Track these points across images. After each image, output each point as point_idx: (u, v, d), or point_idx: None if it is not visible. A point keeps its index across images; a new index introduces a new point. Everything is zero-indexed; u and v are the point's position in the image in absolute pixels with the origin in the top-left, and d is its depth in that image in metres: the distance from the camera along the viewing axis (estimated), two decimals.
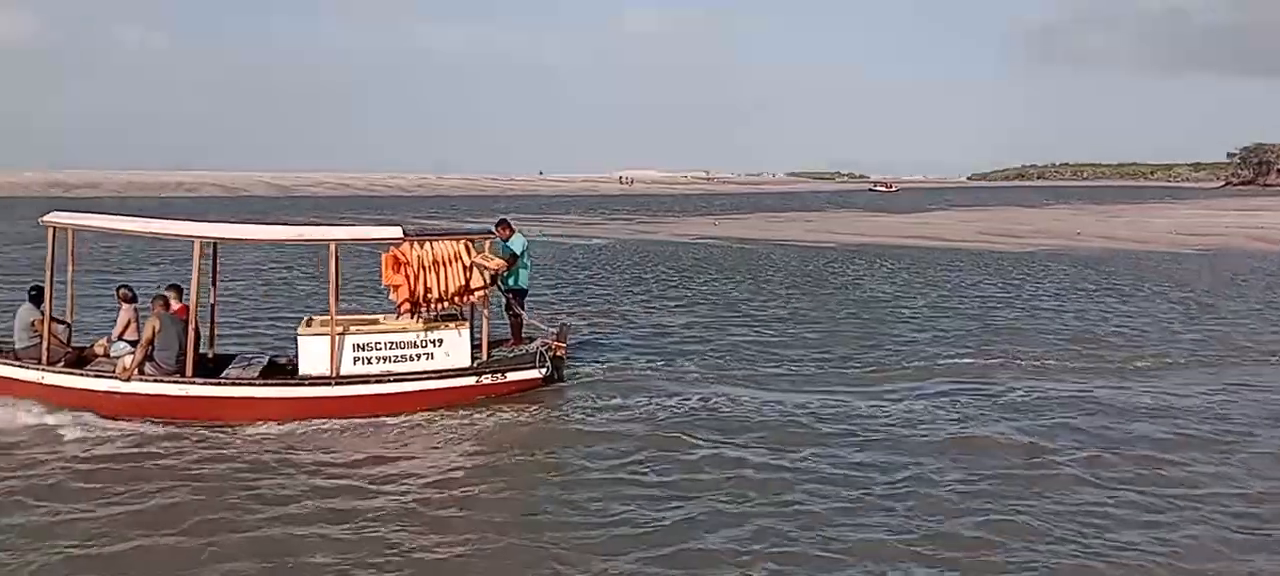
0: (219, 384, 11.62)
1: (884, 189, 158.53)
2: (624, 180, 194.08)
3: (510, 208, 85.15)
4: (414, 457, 10.41)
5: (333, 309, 11.91)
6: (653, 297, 23.34)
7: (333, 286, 11.98)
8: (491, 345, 12.84)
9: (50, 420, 11.07)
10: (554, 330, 13.39)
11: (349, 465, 10.08)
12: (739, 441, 10.93)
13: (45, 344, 11.57)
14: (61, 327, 12.21)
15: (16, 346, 11.82)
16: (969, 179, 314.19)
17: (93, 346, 12.42)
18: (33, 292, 11.97)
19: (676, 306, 21.85)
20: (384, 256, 12.24)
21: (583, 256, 35.34)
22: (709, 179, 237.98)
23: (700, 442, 10.81)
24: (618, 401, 12.39)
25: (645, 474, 9.85)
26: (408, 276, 11.96)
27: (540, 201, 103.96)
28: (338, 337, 11.69)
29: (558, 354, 12.82)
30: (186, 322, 11.60)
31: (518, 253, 13.64)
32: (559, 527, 8.50)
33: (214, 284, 13.52)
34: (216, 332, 13.52)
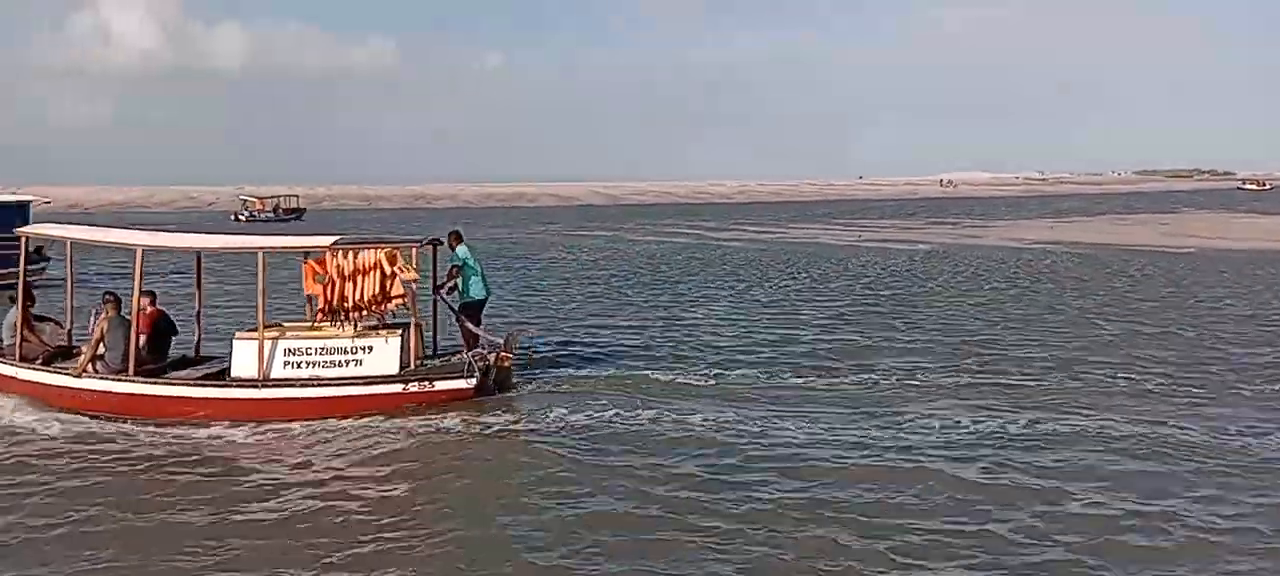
0: (153, 382, 12.11)
1: (1255, 187, 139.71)
2: (945, 183, 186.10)
3: (827, 212, 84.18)
4: (316, 461, 10.43)
5: (261, 313, 12.16)
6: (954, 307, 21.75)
7: (261, 291, 12.17)
8: (442, 355, 13.18)
9: (5, 409, 11.97)
10: (500, 340, 13.22)
11: (253, 465, 10.29)
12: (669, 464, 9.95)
13: (18, 341, 12.58)
14: (49, 327, 13.27)
15: (3, 344, 12.89)
16: None
17: (82, 345, 12.96)
18: (12, 295, 13.07)
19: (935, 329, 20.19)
20: (303, 266, 12.64)
21: (902, 263, 33.93)
22: (1043, 180, 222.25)
23: (626, 462, 10.03)
24: (557, 413, 11.77)
25: (542, 492, 9.24)
26: (324, 285, 12.36)
27: (856, 205, 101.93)
28: (270, 342, 12.07)
29: (502, 365, 12.74)
30: (133, 325, 12.13)
31: (461, 262, 13.71)
32: (424, 538, 8.22)
33: (198, 288, 14.28)
34: (203, 337, 13.83)
